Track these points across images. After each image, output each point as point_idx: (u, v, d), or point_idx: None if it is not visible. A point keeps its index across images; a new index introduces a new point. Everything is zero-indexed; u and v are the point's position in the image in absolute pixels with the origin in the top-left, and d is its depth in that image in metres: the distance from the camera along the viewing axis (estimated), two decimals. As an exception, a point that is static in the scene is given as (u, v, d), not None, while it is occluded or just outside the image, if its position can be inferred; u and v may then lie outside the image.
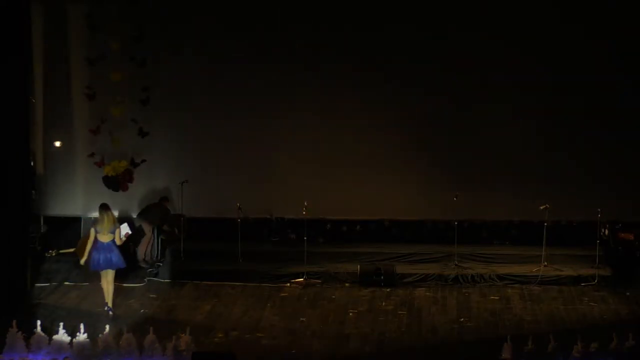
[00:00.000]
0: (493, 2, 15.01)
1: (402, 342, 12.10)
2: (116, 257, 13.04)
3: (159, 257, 15.29)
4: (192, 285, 14.44)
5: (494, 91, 15.18)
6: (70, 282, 14.51)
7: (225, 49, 15.28)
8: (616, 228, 14.97)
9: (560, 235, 15.24)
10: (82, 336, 11.09)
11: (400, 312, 13.22)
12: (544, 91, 15.12)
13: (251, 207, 15.15)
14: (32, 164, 14.87)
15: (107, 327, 11.28)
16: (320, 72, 15.29)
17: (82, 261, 13.28)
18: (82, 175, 15.50)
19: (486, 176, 15.36)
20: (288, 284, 14.45)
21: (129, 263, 14.00)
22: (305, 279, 14.53)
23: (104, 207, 13.06)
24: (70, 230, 15.62)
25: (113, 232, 12.97)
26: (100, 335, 11.12)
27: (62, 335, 11.17)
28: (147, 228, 15.09)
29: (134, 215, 15.36)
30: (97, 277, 13.78)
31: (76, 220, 15.66)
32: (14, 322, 11.07)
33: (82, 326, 11.17)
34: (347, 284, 14.51)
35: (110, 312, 12.99)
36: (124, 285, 14.11)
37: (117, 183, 15.14)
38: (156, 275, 14.78)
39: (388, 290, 14.17)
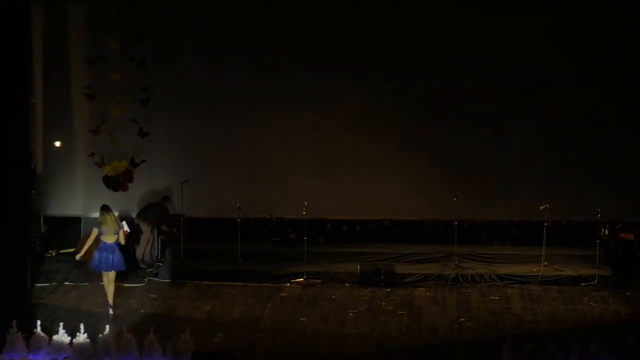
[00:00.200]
0: (493, 3, 14.99)
1: (402, 342, 12.11)
2: (117, 258, 13.10)
3: (158, 257, 15.30)
4: (192, 285, 14.44)
5: (494, 91, 15.17)
6: (70, 282, 14.51)
7: (225, 49, 15.27)
8: (616, 228, 14.98)
9: (560, 235, 15.24)
10: (82, 336, 11.08)
11: (400, 312, 13.22)
12: (544, 91, 15.11)
13: (251, 207, 15.15)
14: (32, 164, 14.86)
15: (107, 327, 11.27)
16: (320, 72, 15.28)
17: (78, 257, 13.34)
18: (82, 175, 15.50)
19: (486, 176, 15.36)
20: (288, 284, 14.45)
21: (129, 263, 14.05)
22: (305, 279, 14.53)
23: (106, 209, 13.15)
24: (70, 230, 15.64)
25: (117, 233, 13.09)
26: (100, 336, 11.11)
27: (62, 336, 11.18)
28: (145, 228, 15.09)
29: (134, 215, 15.35)
30: (97, 277, 13.81)
31: (76, 220, 15.68)
32: (14, 322, 11.08)
33: (82, 326, 11.16)
34: (347, 284, 14.51)
35: (110, 310, 13.07)
36: (124, 285, 14.11)
37: (117, 183, 15.14)
38: (156, 275, 14.78)
39: (388, 290, 14.17)
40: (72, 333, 11.18)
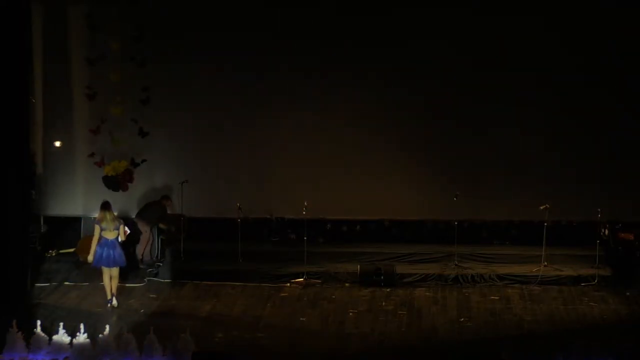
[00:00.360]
0: (493, 3, 14.99)
1: (402, 342, 12.10)
2: (118, 254, 13.25)
3: (158, 257, 15.31)
4: (192, 285, 14.44)
5: (494, 91, 15.18)
6: (70, 282, 14.52)
7: (226, 49, 15.29)
8: (616, 228, 14.97)
9: (560, 235, 15.24)
10: (82, 336, 11.08)
11: (400, 312, 13.22)
12: (544, 91, 15.12)
13: (251, 207, 15.16)
14: (32, 164, 14.86)
15: (107, 327, 11.27)
16: (321, 72, 15.30)
17: (90, 258, 13.34)
18: (82, 175, 15.52)
19: (486, 176, 15.38)
20: (288, 284, 14.45)
21: (129, 263, 14.08)
22: (305, 279, 14.53)
23: (106, 205, 13.28)
24: (71, 230, 15.65)
25: (117, 229, 13.23)
26: (100, 336, 11.11)
27: (62, 336, 11.17)
28: (143, 227, 15.08)
29: (134, 216, 15.35)
30: (97, 277, 13.83)
31: (76, 220, 15.69)
32: (14, 322, 11.07)
33: (82, 326, 11.15)
34: (347, 284, 14.51)
35: (114, 300, 13.22)
36: (125, 285, 14.09)
37: (117, 183, 15.14)
38: (156, 275, 14.78)
39: (388, 290, 14.17)
40: (72, 333, 11.16)
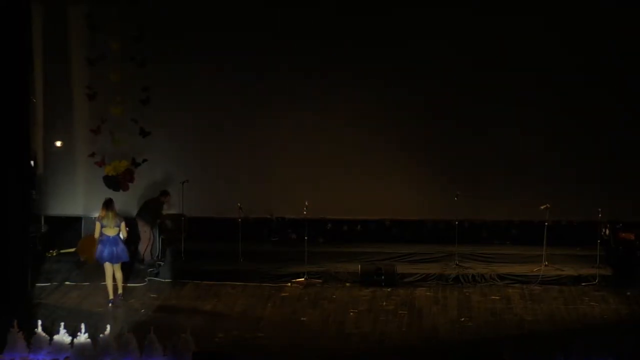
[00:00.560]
0: (493, 3, 15.00)
1: (402, 341, 12.10)
2: (121, 249, 13.39)
3: (159, 257, 15.31)
4: (192, 285, 14.44)
5: (494, 91, 15.19)
6: (71, 281, 14.52)
7: (226, 49, 15.30)
8: (617, 228, 14.97)
9: (561, 235, 15.24)
10: (82, 336, 11.08)
11: (400, 311, 13.21)
12: (544, 91, 15.13)
13: (252, 206, 15.17)
14: (32, 163, 14.87)
15: (108, 327, 11.27)
16: (321, 72, 15.31)
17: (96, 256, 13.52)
18: (83, 175, 15.53)
19: (486, 176, 15.38)
20: (289, 284, 14.45)
21: (130, 263, 14.13)
22: (305, 278, 14.53)
23: (109, 202, 13.39)
24: (71, 230, 15.64)
25: (118, 226, 13.33)
26: (100, 335, 11.11)
27: (62, 335, 11.17)
28: (144, 227, 15.08)
29: (134, 215, 15.35)
30: (98, 277, 13.84)
31: (77, 220, 15.70)
32: (15, 322, 11.07)
33: (82, 326, 11.15)
34: (347, 284, 14.51)
35: (120, 298, 13.38)
36: (125, 285, 14.06)
37: (117, 183, 15.14)
38: (157, 275, 14.79)
39: (389, 290, 14.17)
40: (73, 333, 11.17)
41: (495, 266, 14.77)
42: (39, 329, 11.23)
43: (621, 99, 15.01)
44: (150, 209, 15.14)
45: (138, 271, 14.81)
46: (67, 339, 11.16)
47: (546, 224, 14.56)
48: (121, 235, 13.38)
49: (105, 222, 13.30)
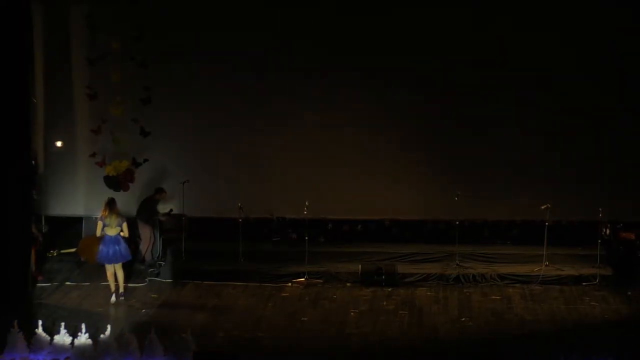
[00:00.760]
0: (492, 3, 15.00)
1: (403, 341, 12.10)
2: (124, 249, 13.52)
3: (159, 257, 15.31)
4: (193, 285, 14.44)
5: (494, 91, 15.18)
6: (71, 282, 14.52)
7: (226, 49, 15.28)
8: (617, 228, 14.98)
9: (562, 235, 15.24)
10: (83, 336, 11.08)
11: (401, 311, 13.22)
12: (544, 91, 15.12)
13: (252, 206, 15.15)
14: (33, 163, 14.86)
15: (109, 327, 11.26)
16: (322, 72, 15.30)
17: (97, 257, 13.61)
18: (84, 175, 15.51)
19: (487, 176, 15.37)
20: (289, 284, 14.45)
21: (130, 263, 14.16)
22: (306, 278, 14.53)
23: (112, 202, 13.50)
24: (72, 230, 15.63)
25: (120, 226, 13.42)
26: (101, 336, 11.10)
27: (63, 336, 11.17)
28: (143, 227, 15.09)
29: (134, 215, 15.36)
30: (98, 277, 13.87)
31: (77, 220, 15.68)
32: (16, 322, 11.06)
33: (83, 326, 11.15)
34: (348, 284, 14.51)
35: (122, 297, 13.45)
36: (126, 285, 14.07)
37: (118, 183, 15.12)
38: (157, 275, 14.79)
39: (389, 290, 14.17)
40: (74, 333, 11.17)
41: (496, 266, 14.77)
42: (40, 329, 11.24)
43: (621, 99, 15.01)
44: (147, 208, 15.15)
45: (139, 271, 14.81)
46: (67, 339, 11.16)
47: (547, 223, 14.56)
48: (125, 233, 13.48)
49: (107, 221, 13.40)
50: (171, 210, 15.26)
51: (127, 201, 15.20)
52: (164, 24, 15.16)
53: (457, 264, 14.78)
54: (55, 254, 15.50)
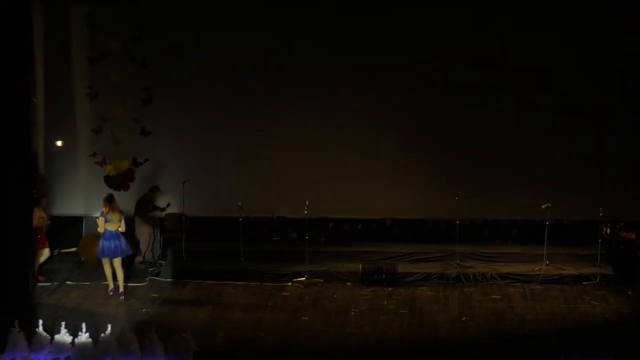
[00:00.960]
0: (492, 3, 15.01)
1: (403, 341, 12.11)
2: (124, 244, 13.67)
3: (160, 256, 15.31)
4: (193, 284, 14.44)
5: (494, 91, 15.18)
6: (71, 281, 14.51)
7: (226, 49, 15.29)
8: (618, 227, 14.95)
9: (562, 235, 15.23)
10: (83, 336, 11.08)
11: (402, 311, 13.22)
12: (544, 91, 15.13)
13: (253, 206, 15.15)
14: (33, 163, 14.84)
15: (109, 326, 11.26)
16: (322, 72, 15.30)
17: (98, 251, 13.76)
18: (84, 174, 15.52)
19: (487, 176, 15.38)
20: (290, 283, 14.45)
21: (130, 263, 14.16)
22: (306, 278, 14.53)
23: (111, 198, 13.65)
24: (72, 229, 15.62)
25: (120, 221, 13.60)
26: (101, 335, 11.10)
27: (63, 335, 11.18)
28: (140, 226, 15.09)
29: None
30: (99, 276, 13.88)
31: (78, 219, 15.68)
32: (16, 321, 11.07)
33: (83, 326, 11.16)
34: (348, 283, 14.51)
35: (122, 297, 13.51)
36: (127, 284, 14.07)
37: (118, 182, 15.11)
38: (158, 274, 14.79)
39: (390, 289, 14.17)
40: (74, 332, 11.18)
41: (496, 265, 14.77)
42: (40, 329, 11.24)
43: (621, 99, 15.02)
44: (142, 206, 15.16)
45: (139, 271, 14.82)
46: (68, 338, 11.17)
47: (547, 223, 14.56)
48: (121, 229, 13.61)
49: (109, 217, 13.53)
50: (169, 204, 15.27)
51: (128, 201, 15.19)
52: (164, 24, 15.16)
53: (458, 264, 14.78)
54: (55, 254, 15.48)
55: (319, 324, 12.70)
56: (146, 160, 15.31)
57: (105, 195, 13.80)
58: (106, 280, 13.84)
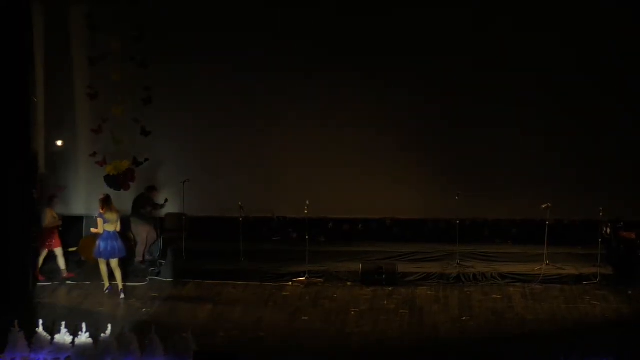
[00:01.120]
0: (493, 3, 15.01)
1: (403, 341, 12.11)
2: (120, 245, 13.71)
3: (159, 255, 15.31)
4: (193, 284, 14.44)
5: (494, 91, 15.19)
6: (72, 281, 14.50)
7: (226, 49, 15.29)
8: (618, 227, 14.95)
9: (562, 234, 15.23)
10: (83, 336, 11.08)
11: (402, 311, 13.21)
12: (544, 91, 15.13)
13: (253, 206, 15.16)
14: (33, 163, 14.84)
15: (109, 326, 11.26)
16: (322, 71, 15.31)
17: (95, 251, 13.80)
18: (84, 174, 15.52)
19: (487, 176, 15.39)
20: (290, 283, 14.45)
21: (130, 263, 14.14)
22: (307, 278, 14.53)
23: (108, 199, 13.72)
24: (72, 229, 15.60)
25: (117, 221, 13.70)
26: (102, 335, 11.10)
27: (63, 335, 11.18)
28: (137, 226, 15.09)
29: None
30: (99, 276, 13.87)
31: (78, 219, 15.67)
32: (16, 321, 11.07)
33: (83, 326, 11.16)
34: (348, 283, 14.51)
35: (122, 297, 13.54)
36: (127, 284, 14.08)
37: (118, 182, 15.12)
38: (158, 274, 14.79)
39: (390, 289, 14.17)
40: (74, 332, 11.18)
41: (497, 265, 14.77)
42: (40, 329, 11.24)
43: (621, 99, 15.02)
44: (139, 205, 15.16)
45: (139, 270, 14.83)
46: (68, 338, 11.17)
47: (547, 223, 14.56)
48: (117, 229, 13.70)
49: (108, 217, 13.57)
50: (166, 200, 15.27)
51: (128, 201, 15.21)
52: (164, 24, 15.16)
53: (458, 263, 14.78)
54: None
55: (319, 324, 12.69)
56: (146, 160, 15.33)
57: (101, 196, 13.81)
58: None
